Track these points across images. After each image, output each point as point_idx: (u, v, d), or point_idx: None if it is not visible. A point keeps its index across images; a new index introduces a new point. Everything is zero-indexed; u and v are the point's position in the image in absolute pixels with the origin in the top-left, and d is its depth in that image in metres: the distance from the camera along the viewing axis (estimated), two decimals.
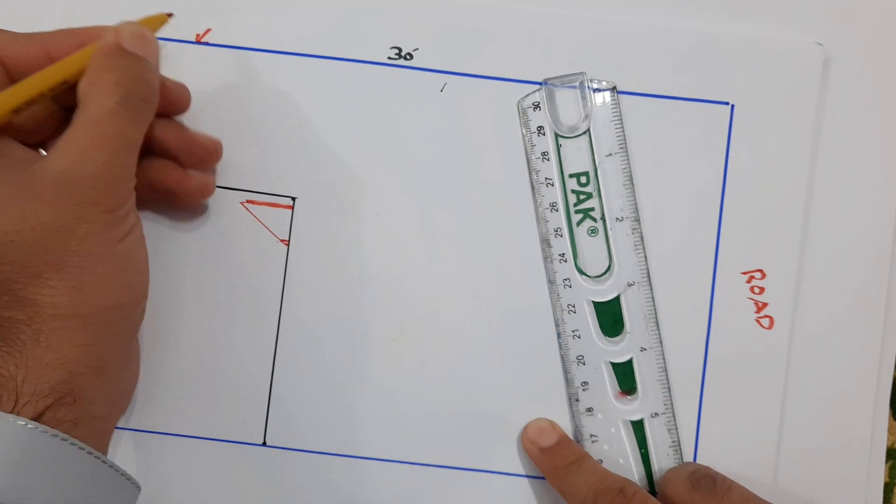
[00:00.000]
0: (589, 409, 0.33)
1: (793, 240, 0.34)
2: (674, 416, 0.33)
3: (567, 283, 0.33)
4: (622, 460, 0.33)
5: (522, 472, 0.34)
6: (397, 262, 0.34)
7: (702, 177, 0.34)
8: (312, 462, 0.34)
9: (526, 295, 0.34)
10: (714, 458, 0.33)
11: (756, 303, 0.34)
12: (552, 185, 0.33)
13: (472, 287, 0.34)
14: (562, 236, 0.33)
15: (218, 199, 0.34)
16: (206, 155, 0.32)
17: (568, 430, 0.33)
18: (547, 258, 0.33)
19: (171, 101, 0.31)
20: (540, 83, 0.34)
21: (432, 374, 0.34)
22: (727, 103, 0.34)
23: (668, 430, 0.33)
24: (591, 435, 0.33)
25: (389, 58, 0.34)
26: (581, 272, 0.33)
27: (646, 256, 0.33)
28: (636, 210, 0.33)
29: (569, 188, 0.33)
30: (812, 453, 0.33)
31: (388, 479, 0.34)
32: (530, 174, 0.34)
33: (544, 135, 0.33)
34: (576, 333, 0.33)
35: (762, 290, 0.34)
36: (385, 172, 0.34)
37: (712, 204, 0.34)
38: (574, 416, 0.33)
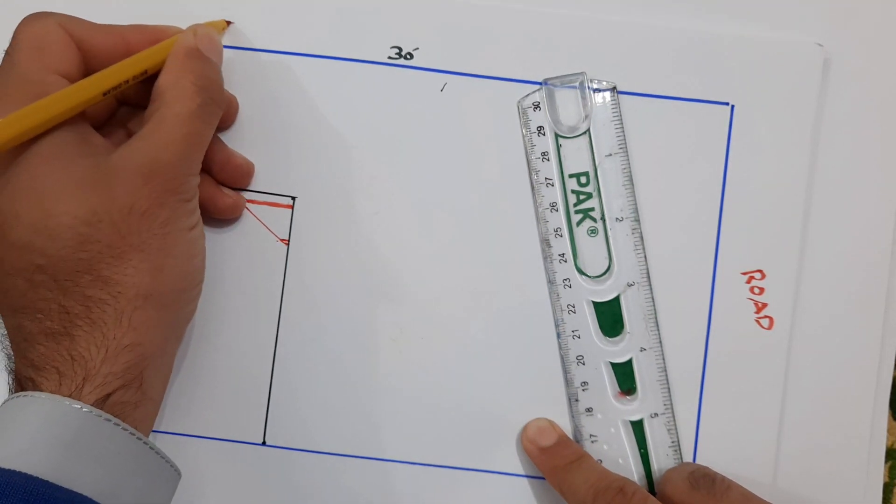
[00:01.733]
0: (588, 409, 0.33)
1: (792, 240, 0.34)
2: (673, 417, 0.33)
3: (567, 283, 0.33)
4: (621, 460, 0.33)
5: (522, 472, 0.34)
6: (397, 261, 0.34)
7: (702, 177, 0.34)
8: (312, 461, 0.34)
9: (525, 294, 0.34)
10: (714, 457, 0.33)
11: (756, 303, 0.34)
12: (552, 185, 0.33)
13: (472, 287, 0.34)
14: (561, 236, 0.33)
15: None
16: (239, 175, 0.33)
17: (567, 430, 0.33)
18: (547, 258, 0.33)
19: (225, 114, 0.33)
20: (540, 83, 0.34)
21: (432, 373, 0.34)
22: (727, 104, 0.34)
23: (668, 430, 0.33)
24: (591, 435, 0.33)
25: (390, 57, 0.34)
26: (581, 272, 0.33)
27: (646, 257, 0.33)
28: (636, 210, 0.33)
29: (569, 188, 0.33)
30: (811, 453, 0.33)
31: (388, 479, 0.34)
32: (530, 174, 0.33)
33: (544, 135, 0.33)
34: (575, 333, 0.33)
35: (762, 290, 0.34)
36: (385, 172, 0.34)
37: (712, 204, 0.34)
38: (574, 416, 0.33)
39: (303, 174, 0.34)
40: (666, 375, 0.33)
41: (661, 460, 0.33)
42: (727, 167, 0.34)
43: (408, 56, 0.34)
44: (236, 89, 0.34)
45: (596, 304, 0.33)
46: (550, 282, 0.33)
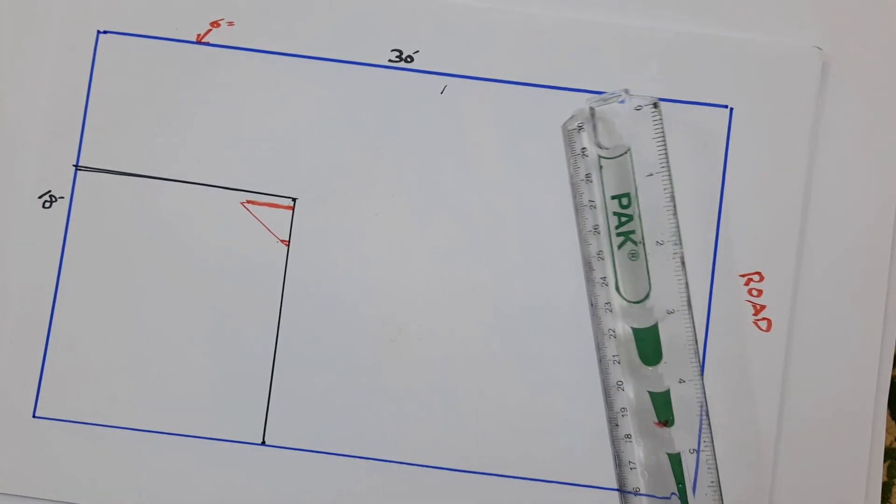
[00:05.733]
0: (627, 436, 0.32)
1: (791, 242, 0.34)
2: (713, 455, 0.32)
3: (608, 307, 0.33)
4: (660, 493, 0.32)
5: (523, 475, 0.34)
6: (396, 262, 0.34)
7: (700, 180, 0.34)
8: (312, 462, 0.34)
9: (525, 295, 0.34)
10: (704, 465, 0.33)
11: (754, 305, 0.34)
12: (594, 208, 0.33)
13: (471, 288, 0.34)
14: (603, 259, 0.33)
15: (218, 199, 0.34)
16: None
17: (607, 452, 0.33)
18: (589, 281, 0.33)
19: None
20: (540, 84, 0.34)
21: (431, 374, 0.34)
22: (726, 106, 0.34)
23: (708, 468, 0.32)
24: (630, 462, 0.32)
25: (390, 60, 0.34)
26: (622, 296, 0.33)
27: (686, 283, 0.32)
28: (677, 233, 0.32)
29: (610, 210, 0.32)
30: (811, 453, 0.33)
31: (388, 480, 0.34)
32: (574, 197, 0.33)
33: (587, 156, 0.33)
34: (616, 359, 0.33)
35: (760, 292, 0.34)
36: (385, 173, 0.34)
37: (711, 207, 0.34)
38: (614, 441, 0.33)
39: (303, 175, 0.34)
40: (706, 412, 0.32)
41: (700, 500, 0.32)
42: (726, 170, 0.34)
43: (408, 59, 0.34)
44: (237, 90, 0.34)
45: (635, 331, 0.32)
46: (592, 305, 0.33)
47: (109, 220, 0.34)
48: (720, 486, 0.32)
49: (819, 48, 0.34)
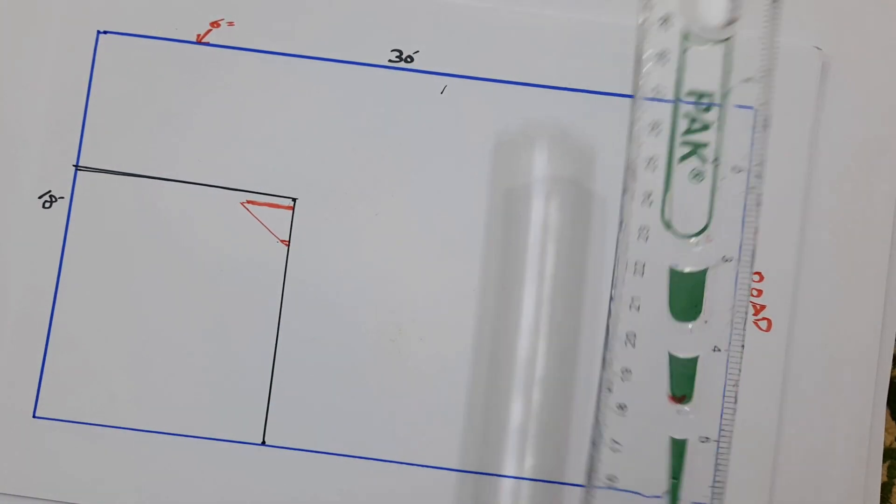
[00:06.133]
0: (621, 406, 0.25)
1: (791, 242, 0.34)
2: (729, 448, 0.25)
3: (644, 233, 0.24)
4: (642, 486, 0.25)
5: (524, 475, 0.34)
6: (396, 262, 0.34)
7: None
8: (312, 462, 0.34)
9: (525, 293, 0.34)
10: (713, 458, 0.33)
11: (754, 305, 0.34)
12: (660, 100, 0.25)
13: (472, 288, 0.34)
14: (655, 169, 0.24)
15: (218, 199, 0.34)
16: None
17: (584, 424, 0.30)
18: (626, 192, 0.25)
19: None
20: (541, 84, 0.34)
21: (431, 374, 0.34)
22: None
23: (717, 463, 0.25)
24: (614, 441, 0.25)
25: (390, 60, 0.34)
26: (666, 224, 0.25)
27: (756, 229, 0.24)
28: (761, 165, 0.24)
29: (681, 110, 0.24)
30: (810, 453, 0.33)
31: (388, 480, 0.34)
32: (635, 81, 0.25)
33: (670, 26, 0.24)
34: (635, 303, 0.25)
35: (760, 292, 0.34)
36: (385, 173, 0.34)
37: None
38: (599, 408, 0.25)
39: (303, 175, 0.34)
40: (736, 394, 0.25)
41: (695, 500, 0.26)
42: None
43: (408, 59, 0.34)
44: (236, 90, 0.34)
45: (673, 273, 0.25)
46: (623, 223, 0.25)
47: (109, 220, 0.34)
48: (724, 492, 0.25)
49: (819, 48, 0.34)
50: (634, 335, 0.25)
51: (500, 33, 0.34)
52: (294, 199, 0.34)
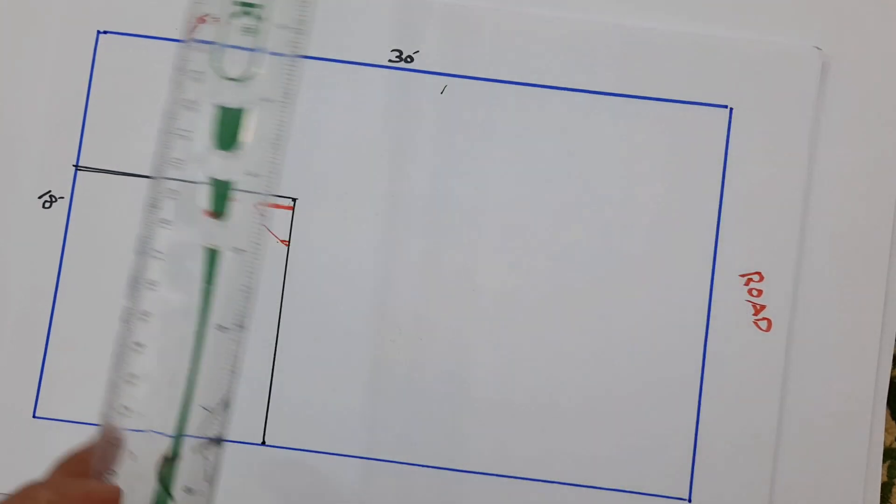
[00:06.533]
0: (164, 222, 0.26)
1: (791, 242, 0.34)
2: (259, 259, 0.26)
3: (198, 76, 0.27)
4: (175, 293, 0.27)
5: (525, 475, 0.34)
6: (397, 263, 0.34)
7: (700, 180, 0.34)
8: (312, 462, 0.34)
9: (524, 295, 0.34)
10: (713, 459, 0.33)
11: (754, 305, 0.34)
12: None
13: (472, 287, 0.34)
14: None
15: None
16: None
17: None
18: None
19: None
20: (541, 85, 0.34)
21: (431, 374, 0.34)
22: (725, 107, 0.34)
23: (248, 272, 0.26)
24: (156, 251, 0.26)
25: (390, 60, 0.34)
26: (217, 69, 0.27)
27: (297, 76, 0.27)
28: (303, 23, 0.26)
29: None
30: (810, 453, 0.33)
31: (388, 480, 0.34)
32: None
33: None
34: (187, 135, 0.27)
35: (760, 292, 0.34)
36: (385, 174, 0.34)
37: (711, 207, 0.34)
38: (145, 221, 0.26)
39: (303, 175, 0.34)
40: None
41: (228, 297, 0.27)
42: (725, 170, 0.34)
43: (408, 59, 0.34)
44: None
45: (219, 109, 0.27)
46: (178, 67, 0.27)
47: (109, 220, 0.34)
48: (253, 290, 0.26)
49: (819, 48, 0.34)
50: (181, 160, 0.27)
51: (501, 33, 0.34)
52: (294, 199, 0.34)
